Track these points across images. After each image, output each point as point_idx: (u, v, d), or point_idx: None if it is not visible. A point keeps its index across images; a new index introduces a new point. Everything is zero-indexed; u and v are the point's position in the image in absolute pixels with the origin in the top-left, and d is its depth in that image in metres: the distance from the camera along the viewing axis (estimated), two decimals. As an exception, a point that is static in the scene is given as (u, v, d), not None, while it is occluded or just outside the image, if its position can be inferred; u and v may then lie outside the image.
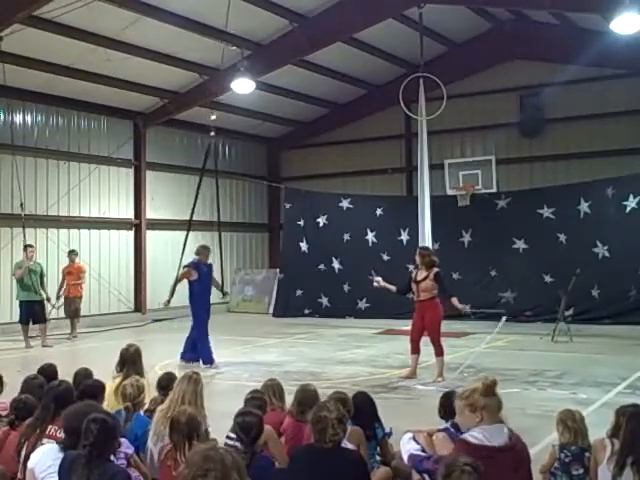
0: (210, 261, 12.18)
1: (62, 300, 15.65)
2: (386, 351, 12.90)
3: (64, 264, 16.21)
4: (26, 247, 14.53)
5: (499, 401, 4.03)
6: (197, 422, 4.51)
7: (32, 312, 14.27)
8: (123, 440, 4.60)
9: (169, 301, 12.12)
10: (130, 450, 4.60)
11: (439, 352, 10.20)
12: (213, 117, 13.78)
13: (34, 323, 14.29)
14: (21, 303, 14.45)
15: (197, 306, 11.71)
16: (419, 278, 10.27)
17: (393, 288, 11.00)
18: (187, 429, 4.40)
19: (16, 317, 14.79)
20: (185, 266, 12.01)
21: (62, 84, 16.83)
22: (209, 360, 11.35)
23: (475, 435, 3.88)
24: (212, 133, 13.10)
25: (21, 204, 14.65)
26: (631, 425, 4.23)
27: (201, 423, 4.60)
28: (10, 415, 5.11)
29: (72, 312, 15.64)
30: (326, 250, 19.34)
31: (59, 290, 15.62)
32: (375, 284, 11.05)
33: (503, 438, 3.92)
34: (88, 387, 5.56)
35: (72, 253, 16.24)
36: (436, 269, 10.25)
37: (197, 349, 11.49)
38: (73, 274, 15.84)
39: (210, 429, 5.02)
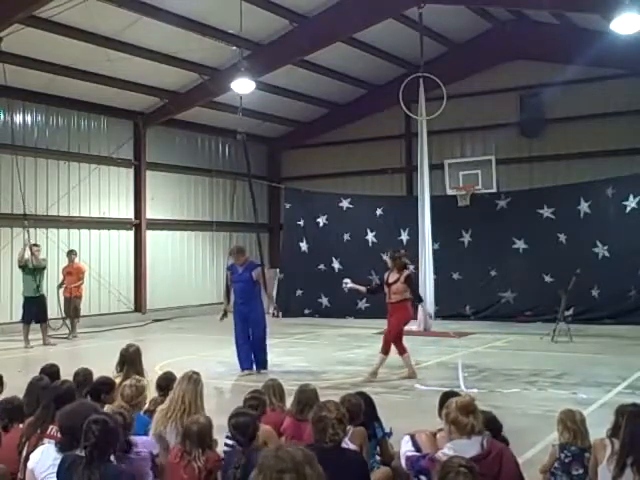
0: (253, 260, 11.56)
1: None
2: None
3: (64, 264, 16.23)
4: (32, 246, 14.57)
5: (472, 424, 4.08)
6: (208, 433, 4.53)
7: (32, 310, 14.26)
8: (146, 439, 4.62)
9: (225, 313, 11.23)
10: (155, 450, 4.61)
11: (384, 350, 10.20)
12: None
13: (36, 322, 14.30)
14: (24, 300, 14.48)
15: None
16: (391, 280, 10.28)
17: (363, 289, 11.12)
18: (198, 439, 4.43)
19: (16, 317, 14.88)
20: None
21: (62, 84, 16.83)
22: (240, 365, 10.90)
23: (445, 452, 3.98)
24: (239, 130, 12.93)
25: (24, 215, 14.63)
26: (631, 425, 4.22)
27: (211, 431, 4.61)
28: (4, 418, 5.08)
29: (72, 312, 15.64)
30: (326, 250, 19.33)
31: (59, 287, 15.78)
32: (343, 286, 11.19)
33: (474, 449, 4.01)
34: (101, 384, 5.65)
35: (71, 253, 16.25)
36: (407, 272, 10.31)
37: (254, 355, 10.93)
38: (72, 274, 15.86)
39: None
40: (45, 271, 14.85)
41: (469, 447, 4.01)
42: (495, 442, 4.15)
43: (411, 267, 16.43)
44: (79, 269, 16.10)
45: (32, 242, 14.82)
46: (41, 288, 14.50)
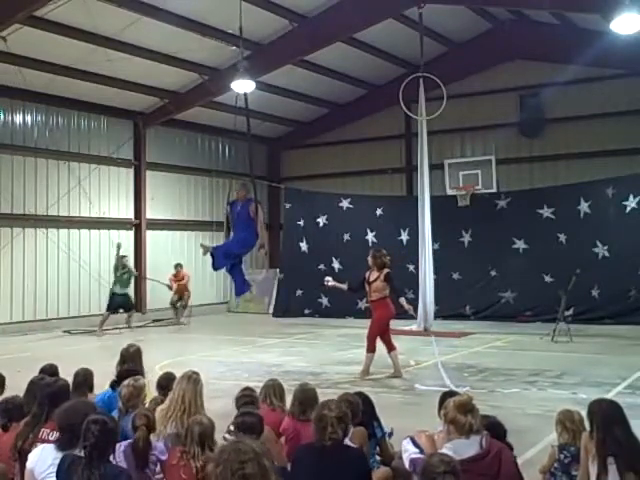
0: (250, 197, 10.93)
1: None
2: (385, 351, 12.84)
3: (170, 274, 18.61)
4: (122, 258, 17.02)
5: (470, 423, 4.06)
6: (210, 434, 4.52)
7: (118, 301, 16.63)
8: (158, 444, 4.61)
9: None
10: (164, 457, 4.60)
11: (370, 349, 10.38)
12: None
13: (125, 311, 16.84)
14: (113, 294, 16.67)
15: None
16: (371, 279, 10.50)
17: (344, 287, 11.35)
18: (199, 440, 4.43)
19: (15, 317, 15.26)
20: None
21: (62, 84, 16.82)
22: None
23: (444, 453, 3.95)
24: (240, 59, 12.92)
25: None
26: (602, 432, 4.19)
27: (213, 433, 4.60)
28: (4, 417, 5.07)
29: (182, 303, 18.38)
30: (326, 250, 19.31)
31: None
32: (326, 283, 11.36)
33: (473, 449, 4.00)
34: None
35: (178, 266, 18.70)
36: (387, 270, 10.48)
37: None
38: (180, 280, 18.48)
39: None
40: (132, 276, 17.30)
41: (468, 447, 4.00)
42: (494, 441, 4.14)
43: (411, 267, 16.65)
44: (185, 275, 18.68)
45: (121, 255, 17.03)
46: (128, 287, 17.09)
